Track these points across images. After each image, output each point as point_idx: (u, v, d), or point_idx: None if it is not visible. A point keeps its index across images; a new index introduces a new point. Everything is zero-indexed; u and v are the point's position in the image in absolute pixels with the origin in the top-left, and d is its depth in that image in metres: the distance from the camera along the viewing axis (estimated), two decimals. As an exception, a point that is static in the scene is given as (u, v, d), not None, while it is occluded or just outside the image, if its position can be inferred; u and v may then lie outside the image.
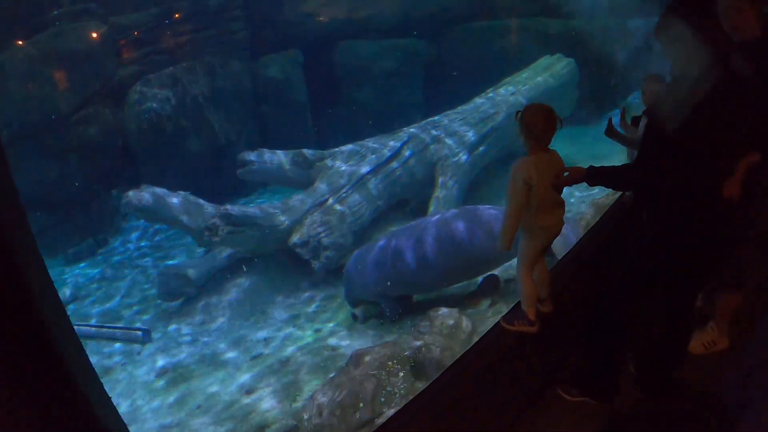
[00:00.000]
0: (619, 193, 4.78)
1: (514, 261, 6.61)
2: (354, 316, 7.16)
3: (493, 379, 3.40)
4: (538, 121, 3.00)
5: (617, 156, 5.12)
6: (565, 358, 3.78)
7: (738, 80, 2.73)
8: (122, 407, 6.52)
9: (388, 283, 6.66)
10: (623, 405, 3.35)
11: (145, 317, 8.55)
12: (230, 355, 7.10)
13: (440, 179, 8.85)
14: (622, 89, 11.54)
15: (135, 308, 8.93)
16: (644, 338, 3.43)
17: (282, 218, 8.00)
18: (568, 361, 3.72)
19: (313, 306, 7.76)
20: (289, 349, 6.87)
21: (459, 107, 9.89)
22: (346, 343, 6.62)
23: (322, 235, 7.73)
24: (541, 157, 3.03)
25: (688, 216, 2.91)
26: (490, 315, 6.17)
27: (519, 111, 3.08)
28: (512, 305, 4.79)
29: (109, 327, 8.27)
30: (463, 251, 6.31)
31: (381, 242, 6.92)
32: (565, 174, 3.03)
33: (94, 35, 11.85)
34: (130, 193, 8.15)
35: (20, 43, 11.08)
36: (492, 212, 6.45)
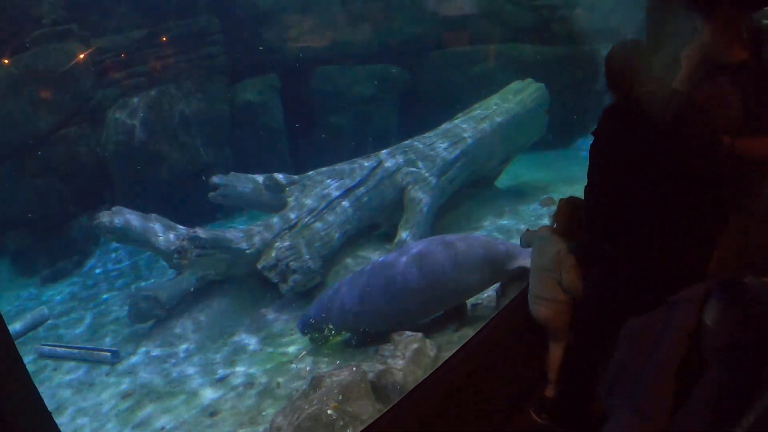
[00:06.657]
0: None
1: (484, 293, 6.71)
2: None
3: (458, 403, 3.46)
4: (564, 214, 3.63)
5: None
6: (534, 385, 3.80)
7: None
8: (87, 427, 6.57)
9: (360, 318, 6.64)
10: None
11: (115, 338, 8.60)
12: (196, 377, 7.15)
13: (410, 204, 8.89)
14: (593, 114, 11.78)
15: (106, 329, 8.99)
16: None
17: (251, 242, 8.09)
18: (537, 389, 3.75)
19: (280, 329, 7.83)
20: (255, 372, 6.94)
21: (429, 132, 10.00)
22: (311, 367, 6.69)
23: (290, 259, 7.80)
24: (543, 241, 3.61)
25: (653, 250, 2.83)
26: (456, 339, 6.21)
27: (547, 197, 3.54)
28: (478, 329, 4.83)
29: (78, 347, 8.31)
30: (425, 288, 6.24)
31: (353, 278, 6.87)
32: None
33: (75, 56, 11.95)
34: (101, 214, 8.25)
35: (6, 61, 11.19)
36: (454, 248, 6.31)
